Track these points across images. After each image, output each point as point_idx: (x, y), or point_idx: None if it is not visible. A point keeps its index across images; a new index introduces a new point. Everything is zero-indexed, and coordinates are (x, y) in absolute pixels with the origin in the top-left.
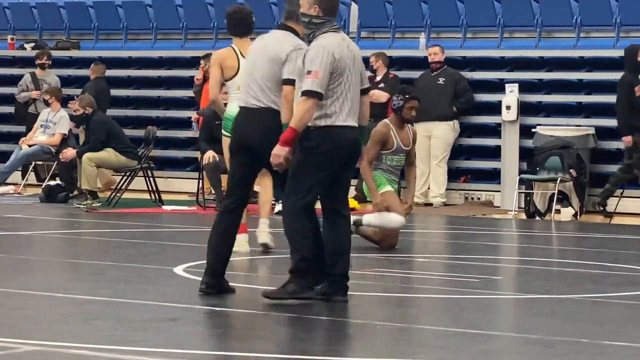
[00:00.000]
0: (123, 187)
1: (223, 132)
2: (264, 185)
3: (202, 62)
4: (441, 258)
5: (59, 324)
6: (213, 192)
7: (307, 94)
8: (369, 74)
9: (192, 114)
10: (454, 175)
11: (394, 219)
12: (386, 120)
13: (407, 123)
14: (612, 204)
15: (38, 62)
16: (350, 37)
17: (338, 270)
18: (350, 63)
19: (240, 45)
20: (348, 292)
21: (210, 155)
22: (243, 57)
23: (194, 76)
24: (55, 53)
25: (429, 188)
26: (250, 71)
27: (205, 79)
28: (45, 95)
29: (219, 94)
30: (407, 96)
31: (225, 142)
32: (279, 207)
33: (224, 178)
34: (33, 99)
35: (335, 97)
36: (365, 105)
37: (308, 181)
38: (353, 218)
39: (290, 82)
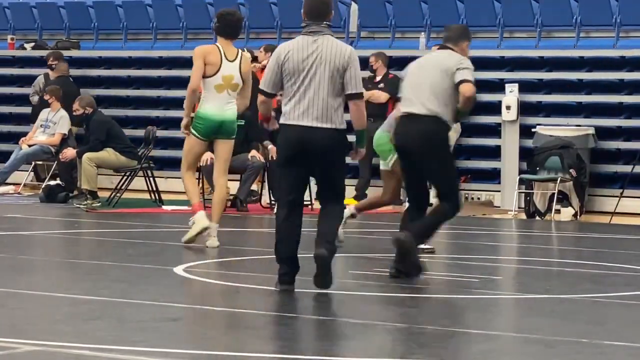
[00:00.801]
0: (123, 187)
1: (192, 130)
2: (218, 186)
3: None
4: (441, 258)
5: (59, 324)
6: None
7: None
8: (368, 74)
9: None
10: None
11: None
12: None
13: None
14: (612, 204)
15: (49, 63)
16: (350, 37)
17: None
18: (313, 66)
19: (225, 47)
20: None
21: (207, 157)
22: (227, 59)
23: None
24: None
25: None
26: (418, 82)
27: None
28: (45, 95)
29: (199, 87)
30: None
31: (195, 142)
32: None
33: None
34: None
35: (288, 97)
36: (354, 111)
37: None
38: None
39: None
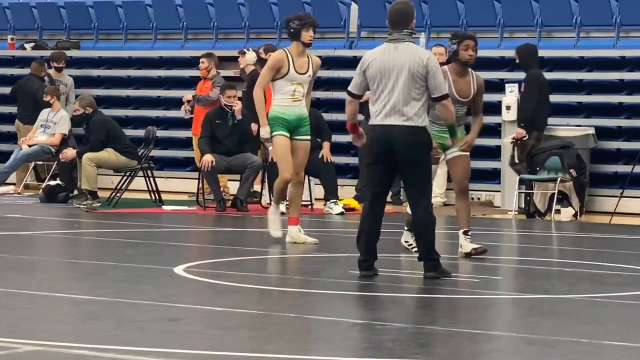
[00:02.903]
0: (123, 187)
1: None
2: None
3: (204, 60)
4: (441, 258)
5: (59, 324)
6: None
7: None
8: None
9: (186, 95)
10: None
11: None
12: (444, 67)
13: (467, 66)
14: (612, 204)
15: (55, 65)
16: (350, 37)
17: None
18: (395, 71)
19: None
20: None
21: (208, 161)
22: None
23: (194, 76)
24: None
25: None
26: None
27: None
28: (46, 97)
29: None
30: (459, 38)
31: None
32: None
33: (222, 177)
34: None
35: (375, 99)
36: (442, 111)
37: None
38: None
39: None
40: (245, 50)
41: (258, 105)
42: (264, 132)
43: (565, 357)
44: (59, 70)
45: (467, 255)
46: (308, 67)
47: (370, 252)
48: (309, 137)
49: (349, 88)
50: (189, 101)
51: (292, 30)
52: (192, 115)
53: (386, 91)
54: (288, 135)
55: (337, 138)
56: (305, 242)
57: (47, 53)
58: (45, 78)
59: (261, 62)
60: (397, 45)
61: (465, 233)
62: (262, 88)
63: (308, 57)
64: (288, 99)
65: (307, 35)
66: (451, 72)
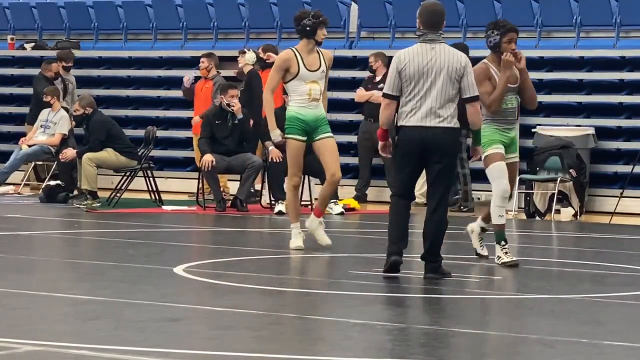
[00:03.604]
0: (123, 187)
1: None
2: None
3: (205, 60)
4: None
5: (59, 324)
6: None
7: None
8: (368, 74)
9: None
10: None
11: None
12: (485, 60)
13: None
14: (612, 204)
15: (64, 64)
16: (350, 37)
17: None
18: (432, 71)
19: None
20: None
21: (208, 161)
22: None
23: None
24: (55, 53)
25: None
26: None
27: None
28: (46, 97)
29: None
30: (502, 29)
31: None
32: (279, 207)
33: (222, 177)
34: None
35: (408, 99)
36: (472, 113)
37: (395, 172)
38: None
39: None
40: (245, 50)
41: (267, 108)
42: (274, 135)
43: (565, 357)
44: (66, 69)
45: (505, 264)
46: (320, 63)
47: (401, 241)
48: (330, 134)
49: (385, 90)
50: (188, 80)
51: (307, 28)
52: (193, 82)
53: (423, 92)
54: (304, 138)
55: (337, 138)
56: (318, 239)
57: (47, 53)
58: (54, 77)
59: (260, 62)
60: (433, 46)
61: (500, 244)
62: (271, 90)
63: (318, 53)
64: (305, 99)
65: (321, 33)
66: (492, 63)
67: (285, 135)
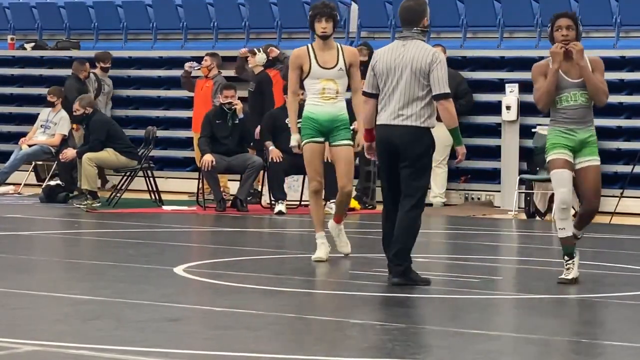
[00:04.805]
0: (123, 187)
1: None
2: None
3: (208, 59)
4: (441, 258)
5: (59, 324)
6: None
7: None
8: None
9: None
10: (453, 175)
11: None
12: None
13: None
14: (612, 204)
15: (102, 65)
16: (350, 37)
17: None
18: (399, 68)
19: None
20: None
21: (208, 161)
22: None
23: (194, 76)
24: (55, 53)
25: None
26: None
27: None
28: (49, 97)
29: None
30: (552, 20)
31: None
32: (279, 207)
33: (222, 177)
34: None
35: (381, 97)
36: (441, 111)
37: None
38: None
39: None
40: (255, 50)
41: (289, 109)
42: (293, 140)
43: (565, 357)
44: (104, 70)
45: (558, 281)
46: (337, 61)
47: (387, 248)
48: (348, 142)
49: (364, 88)
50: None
51: (309, 24)
52: (199, 67)
53: (390, 89)
54: (320, 140)
55: None
56: (337, 246)
57: (47, 53)
58: (91, 77)
59: (267, 63)
60: (405, 43)
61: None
62: (293, 92)
63: (338, 49)
64: (318, 97)
65: (319, 26)
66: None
67: (302, 142)
